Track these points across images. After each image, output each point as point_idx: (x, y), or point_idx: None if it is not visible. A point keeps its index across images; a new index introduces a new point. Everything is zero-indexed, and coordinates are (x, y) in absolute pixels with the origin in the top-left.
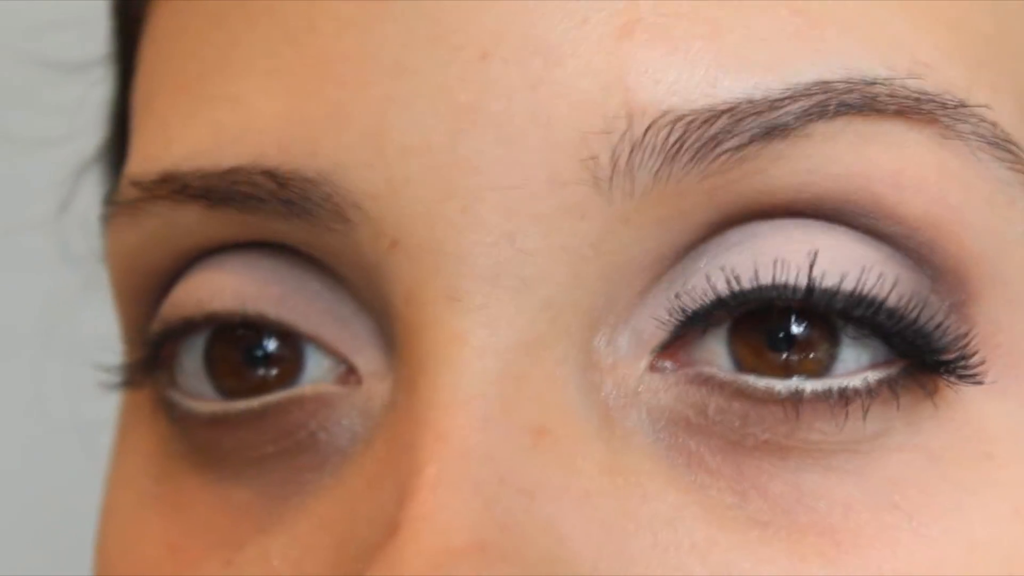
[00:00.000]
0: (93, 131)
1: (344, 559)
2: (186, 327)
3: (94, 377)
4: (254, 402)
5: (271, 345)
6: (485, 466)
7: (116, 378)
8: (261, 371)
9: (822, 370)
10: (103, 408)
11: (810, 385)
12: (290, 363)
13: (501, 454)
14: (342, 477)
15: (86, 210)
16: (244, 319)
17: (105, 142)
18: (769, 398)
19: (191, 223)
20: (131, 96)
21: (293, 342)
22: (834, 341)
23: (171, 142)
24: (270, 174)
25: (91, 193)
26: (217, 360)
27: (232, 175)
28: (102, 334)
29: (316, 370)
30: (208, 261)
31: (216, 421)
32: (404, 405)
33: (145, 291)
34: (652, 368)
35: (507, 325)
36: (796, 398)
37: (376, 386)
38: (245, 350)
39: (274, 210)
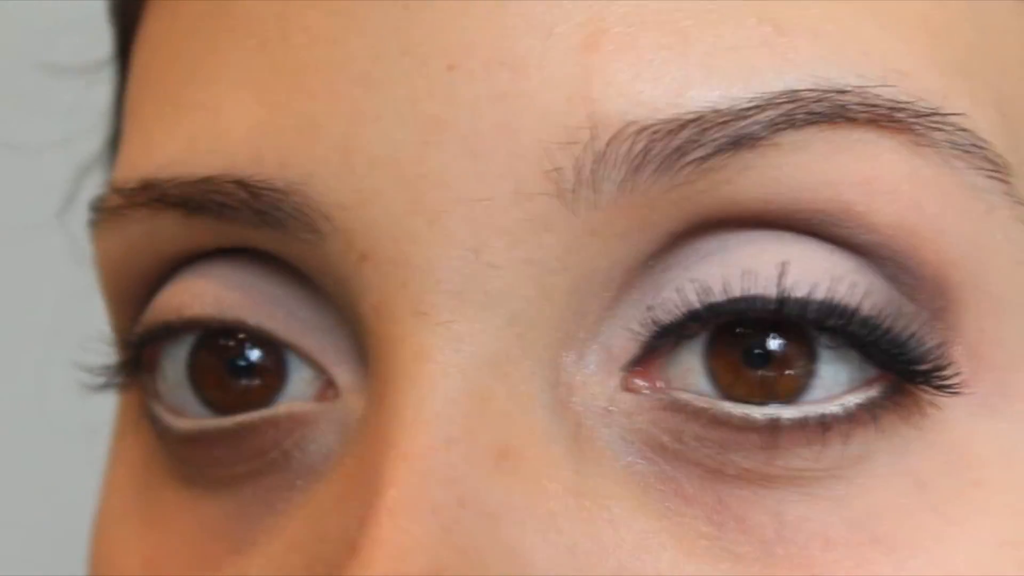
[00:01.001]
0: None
1: None
2: (166, 331)
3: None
4: (227, 422)
5: (254, 355)
6: (445, 489)
7: (100, 379)
8: (244, 381)
9: (800, 388)
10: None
11: (788, 412)
12: (273, 374)
13: (463, 476)
14: (312, 496)
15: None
16: (223, 325)
17: (105, 144)
18: (747, 425)
19: (171, 230)
20: (124, 101)
21: (276, 352)
22: (811, 357)
23: (152, 149)
24: (242, 184)
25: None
26: (200, 370)
27: (205, 184)
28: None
29: (299, 381)
30: (190, 268)
31: (192, 439)
32: (373, 423)
33: (131, 296)
34: (625, 387)
35: (472, 341)
36: (774, 425)
37: (354, 401)
38: (228, 360)
39: (247, 219)
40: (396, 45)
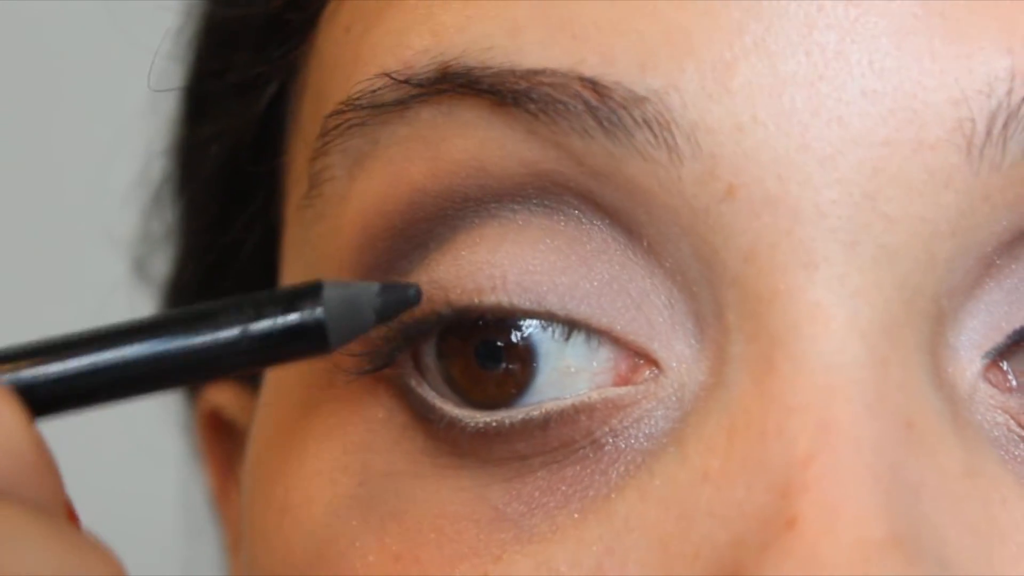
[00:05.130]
0: None
1: (676, 557)
2: (465, 315)
3: None
4: (533, 412)
5: (512, 337)
6: (877, 457)
7: (363, 365)
8: (500, 367)
9: None
10: None
11: None
12: (525, 353)
13: (886, 445)
14: (651, 474)
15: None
16: (527, 313)
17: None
18: None
19: (469, 122)
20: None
21: (520, 330)
22: None
23: (445, 33)
24: (591, 83)
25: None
26: (448, 353)
27: (537, 76)
28: None
29: (552, 356)
30: (484, 224)
31: (485, 432)
32: (750, 388)
33: (402, 218)
34: (985, 371)
35: (866, 301)
36: None
37: (685, 374)
38: (479, 344)
39: (581, 123)
40: None
